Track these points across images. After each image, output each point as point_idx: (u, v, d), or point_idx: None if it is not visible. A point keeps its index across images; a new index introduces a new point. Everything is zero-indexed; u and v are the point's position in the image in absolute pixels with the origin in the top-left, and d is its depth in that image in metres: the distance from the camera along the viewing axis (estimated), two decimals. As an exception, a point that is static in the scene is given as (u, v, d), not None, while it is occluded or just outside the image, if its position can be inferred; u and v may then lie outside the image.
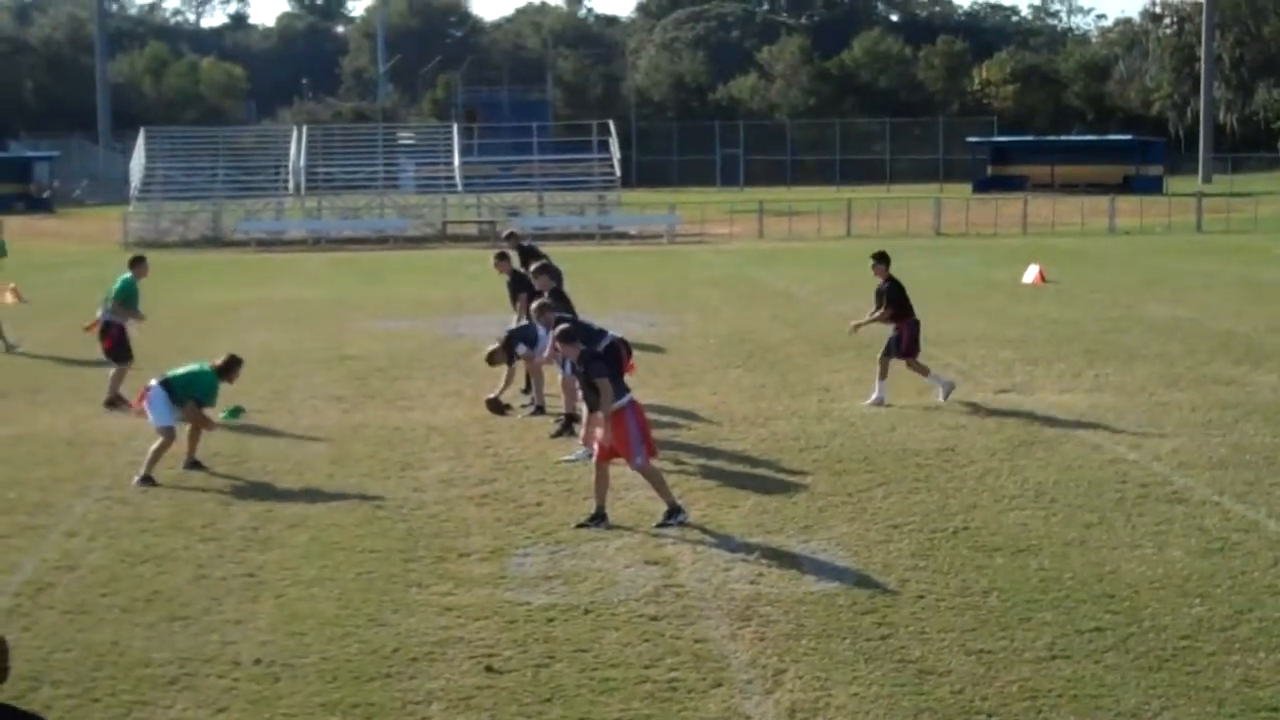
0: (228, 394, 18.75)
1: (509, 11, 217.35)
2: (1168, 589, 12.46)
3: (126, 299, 22.85)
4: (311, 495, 16.18)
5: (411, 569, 13.44)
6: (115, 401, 21.71)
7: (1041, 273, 39.68)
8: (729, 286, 39.75)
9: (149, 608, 12.48)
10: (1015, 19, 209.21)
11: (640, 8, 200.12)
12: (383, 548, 14.14)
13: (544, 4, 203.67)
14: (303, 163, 69.29)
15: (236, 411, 20.37)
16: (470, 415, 20.71)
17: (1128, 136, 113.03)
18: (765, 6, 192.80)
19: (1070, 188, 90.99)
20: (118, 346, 22.57)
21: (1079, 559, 13.35)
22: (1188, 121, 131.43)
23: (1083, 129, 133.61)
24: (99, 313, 22.91)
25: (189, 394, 17.07)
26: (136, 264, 23.36)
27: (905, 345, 21.34)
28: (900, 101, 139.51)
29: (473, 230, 66.51)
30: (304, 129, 74.19)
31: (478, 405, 21.04)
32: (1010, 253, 49.58)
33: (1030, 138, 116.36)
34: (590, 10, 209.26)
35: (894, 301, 21.45)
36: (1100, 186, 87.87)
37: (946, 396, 21.10)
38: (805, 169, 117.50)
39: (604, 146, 72.67)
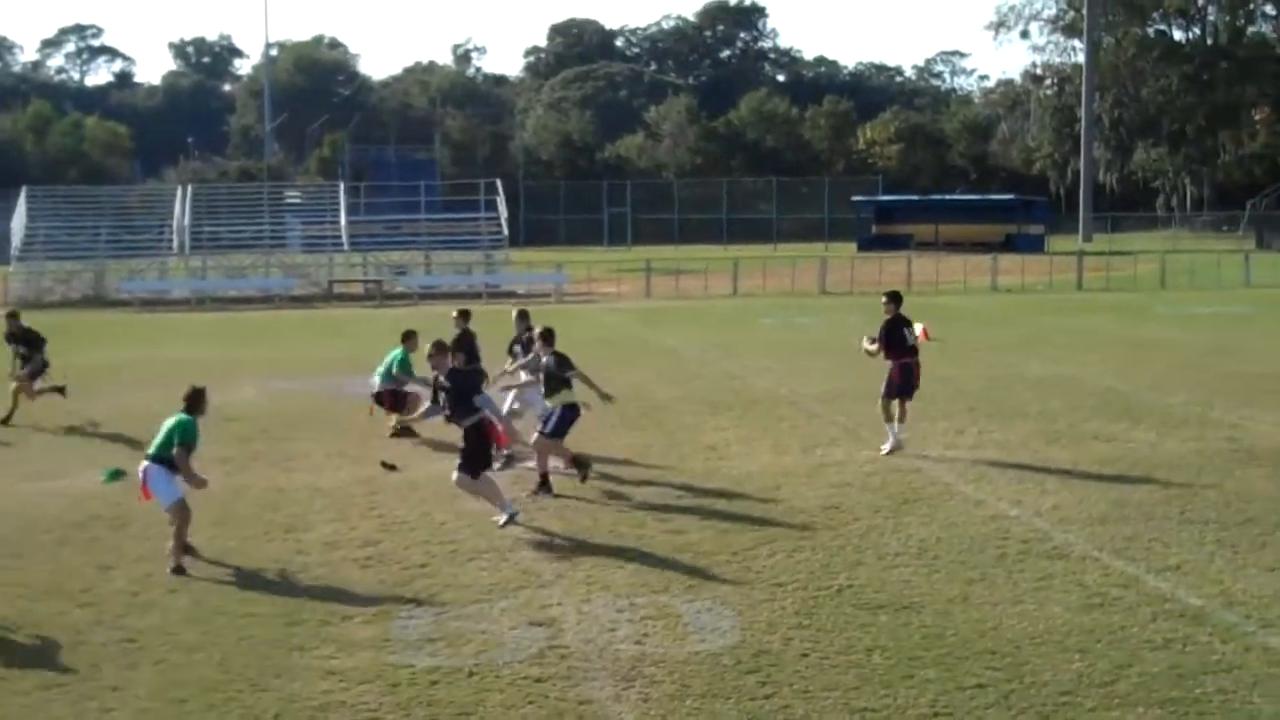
0: (109, 457, 18.50)
1: (397, 70, 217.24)
2: (1048, 645, 12.56)
3: (406, 369, 24.14)
4: (193, 558, 15.98)
5: (294, 633, 13.32)
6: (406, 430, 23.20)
7: (925, 331, 39.93)
8: (616, 345, 39.77)
9: (24, 676, 12.27)
10: (899, 79, 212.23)
11: (528, 67, 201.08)
12: (265, 611, 14.00)
13: (432, 63, 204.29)
14: (187, 222, 68.81)
15: (117, 474, 20.08)
16: (355, 476, 20.58)
17: (1010, 196, 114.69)
18: (653, 66, 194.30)
19: (954, 246, 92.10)
20: (396, 401, 23.95)
21: (961, 616, 13.44)
22: (1068, 181, 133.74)
23: (966, 188, 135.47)
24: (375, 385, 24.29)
25: (178, 444, 15.91)
26: (408, 338, 24.45)
27: (894, 384, 22.05)
28: (786, 161, 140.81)
29: (359, 289, 66.27)
30: (189, 188, 73.72)
31: (363, 466, 20.99)
32: (895, 311, 49.97)
33: (914, 197, 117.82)
34: (478, 69, 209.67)
35: (883, 337, 22.30)
36: (983, 245, 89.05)
37: (889, 451, 21.62)
38: (692, 228, 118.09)
39: (491, 205, 72.72)
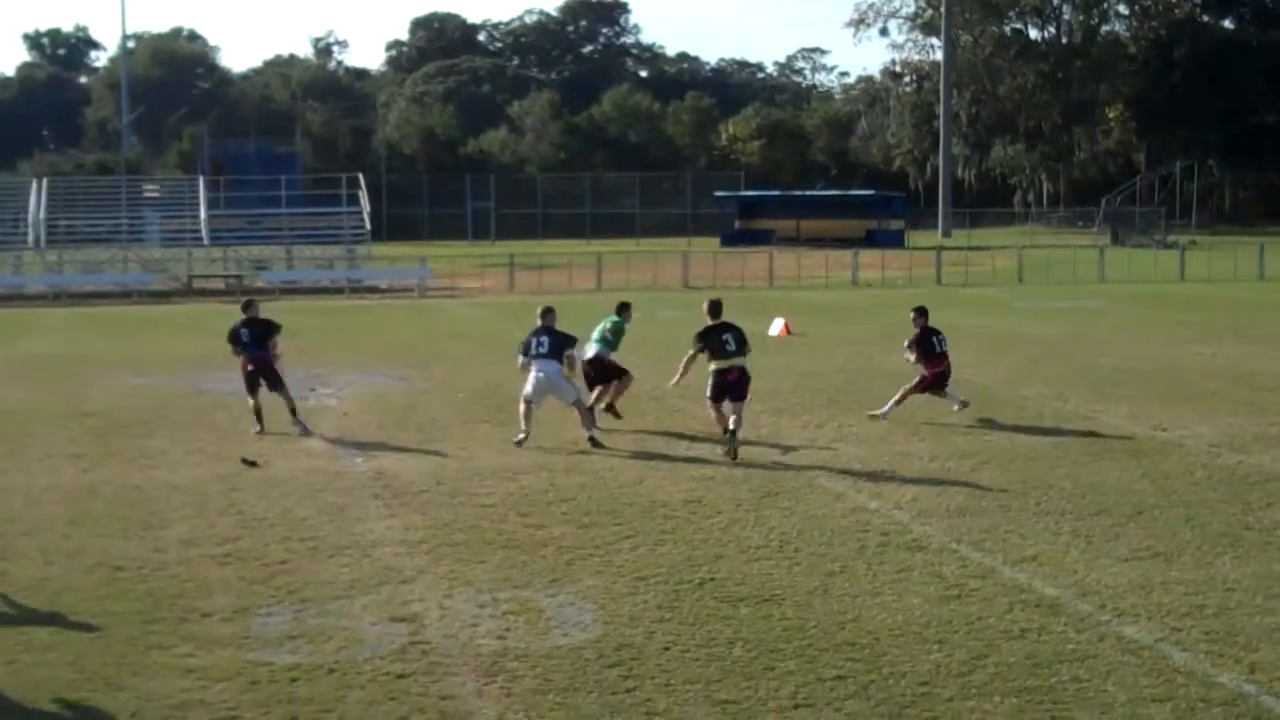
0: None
1: (257, 63, 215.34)
2: (907, 636, 12.67)
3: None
4: (47, 557, 15.72)
5: (151, 631, 13.12)
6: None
7: (787, 325, 40.28)
8: (479, 340, 39.67)
9: (-127, 677, 12.00)
10: (761, 76, 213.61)
11: (390, 61, 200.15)
12: (121, 610, 13.78)
13: (293, 56, 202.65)
14: (43, 215, 67.73)
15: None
16: (214, 473, 20.34)
17: (870, 191, 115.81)
18: (515, 61, 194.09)
19: (815, 241, 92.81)
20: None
21: (821, 608, 13.52)
22: (927, 177, 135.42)
23: (827, 184, 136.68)
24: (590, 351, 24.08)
25: None
26: (624, 309, 24.88)
27: (925, 383, 24.18)
28: (649, 156, 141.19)
29: (219, 285, 65.57)
30: (44, 181, 72.58)
31: (222, 462, 20.80)
32: (757, 305, 50.21)
33: (776, 193, 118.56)
34: (340, 63, 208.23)
35: (915, 346, 24.33)
36: (844, 240, 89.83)
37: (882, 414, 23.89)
38: (556, 222, 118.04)
39: (353, 200, 72.24)
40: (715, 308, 22.18)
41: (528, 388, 22.32)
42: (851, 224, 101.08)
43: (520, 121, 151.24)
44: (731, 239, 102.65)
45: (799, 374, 30.71)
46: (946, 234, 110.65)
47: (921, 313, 24.72)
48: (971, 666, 11.86)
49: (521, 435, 22.06)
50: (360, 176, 73.83)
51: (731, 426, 20.89)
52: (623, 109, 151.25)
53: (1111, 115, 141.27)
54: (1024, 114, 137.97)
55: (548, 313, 23.23)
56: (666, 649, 12.39)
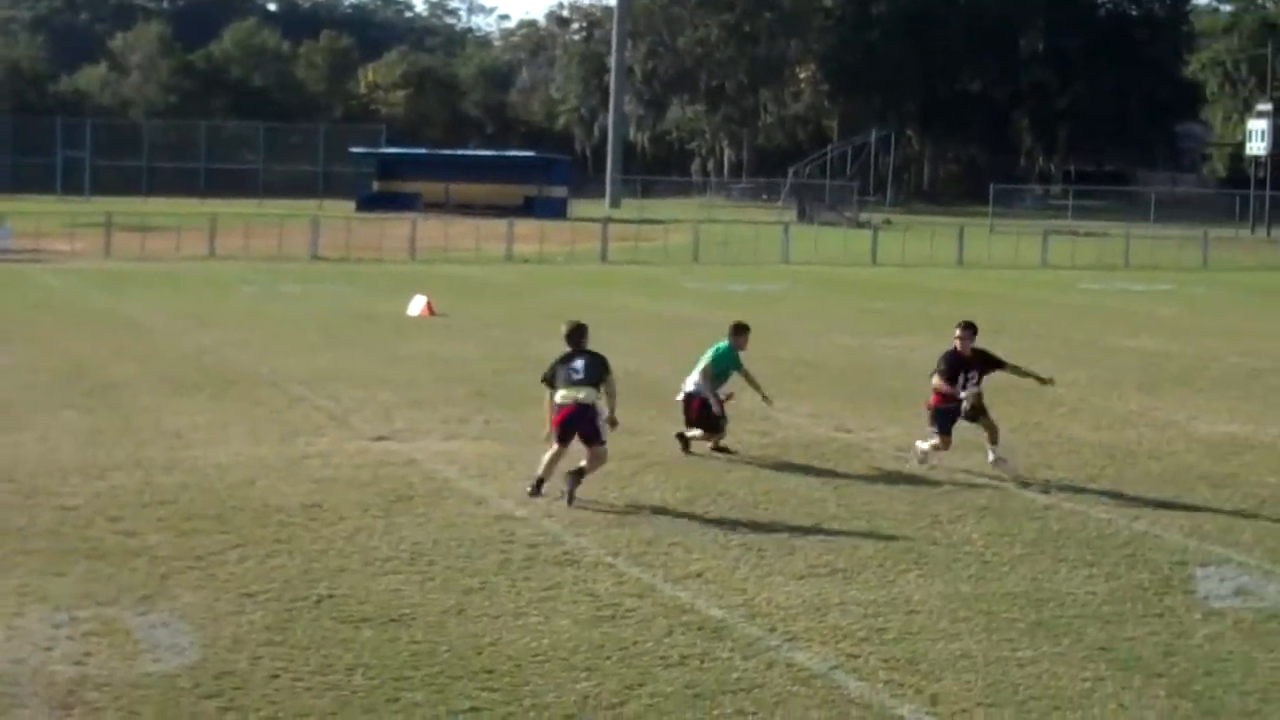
0: None
1: None
2: (553, 662, 12.76)
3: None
4: None
5: None
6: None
7: (430, 304, 40.24)
8: (66, 313, 38.81)
9: None
10: (409, 15, 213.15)
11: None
12: None
13: None
14: None
15: None
16: None
17: (530, 153, 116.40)
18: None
19: (466, 208, 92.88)
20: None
21: (456, 630, 13.54)
22: (595, 139, 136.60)
23: (481, 143, 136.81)
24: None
25: None
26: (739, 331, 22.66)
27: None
28: (277, 103, 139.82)
29: None
30: None
31: None
32: (396, 281, 50.17)
33: (423, 151, 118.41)
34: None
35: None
36: (499, 208, 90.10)
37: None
38: (164, 177, 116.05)
39: (-80, 143, 69.97)
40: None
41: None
42: (508, 190, 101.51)
43: (124, 58, 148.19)
44: (369, 203, 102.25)
45: (442, 361, 30.75)
46: (615, 204, 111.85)
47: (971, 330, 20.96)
48: (624, 697, 11.99)
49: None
50: (-71, 116, 71.54)
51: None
52: (246, 47, 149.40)
53: (802, 76, 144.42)
54: (706, 71, 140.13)
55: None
56: (275, 677, 12.27)
